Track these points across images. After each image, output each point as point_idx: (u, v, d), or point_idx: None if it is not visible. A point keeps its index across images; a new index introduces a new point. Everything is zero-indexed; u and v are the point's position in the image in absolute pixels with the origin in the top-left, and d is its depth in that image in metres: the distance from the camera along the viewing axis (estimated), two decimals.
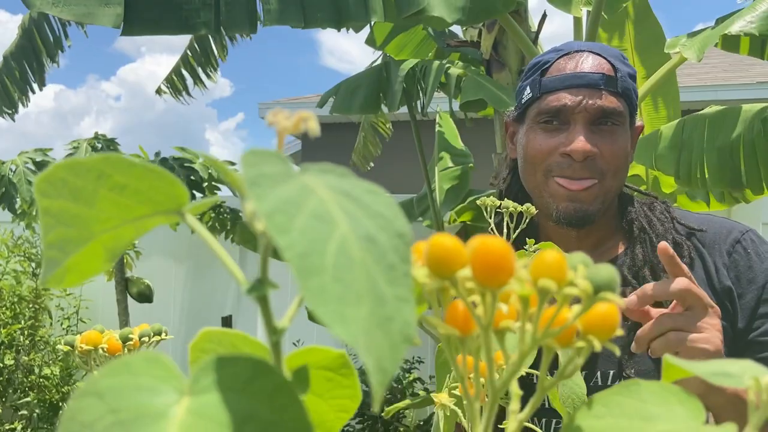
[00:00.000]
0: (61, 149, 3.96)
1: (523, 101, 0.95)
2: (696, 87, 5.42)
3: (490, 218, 0.73)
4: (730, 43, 2.49)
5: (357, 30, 3.12)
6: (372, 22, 2.38)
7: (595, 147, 0.88)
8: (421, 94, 2.83)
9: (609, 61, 0.91)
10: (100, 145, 3.61)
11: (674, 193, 2.88)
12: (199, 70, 3.69)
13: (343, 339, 0.15)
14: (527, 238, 0.69)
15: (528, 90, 0.93)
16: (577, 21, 2.84)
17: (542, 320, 0.21)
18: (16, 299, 4.16)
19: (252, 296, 0.19)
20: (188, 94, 3.80)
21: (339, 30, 2.33)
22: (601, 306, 0.21)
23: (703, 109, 2.30)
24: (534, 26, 3.20)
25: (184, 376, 0.16)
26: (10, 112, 3.07)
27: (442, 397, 0.49)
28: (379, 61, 3.57)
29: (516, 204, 0.73)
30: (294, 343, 3.72)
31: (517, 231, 0.98)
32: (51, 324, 4.40)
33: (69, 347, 0.53)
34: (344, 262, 0.16)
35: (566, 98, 0.89)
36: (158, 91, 3.81)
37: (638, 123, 0.97)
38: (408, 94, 2.87)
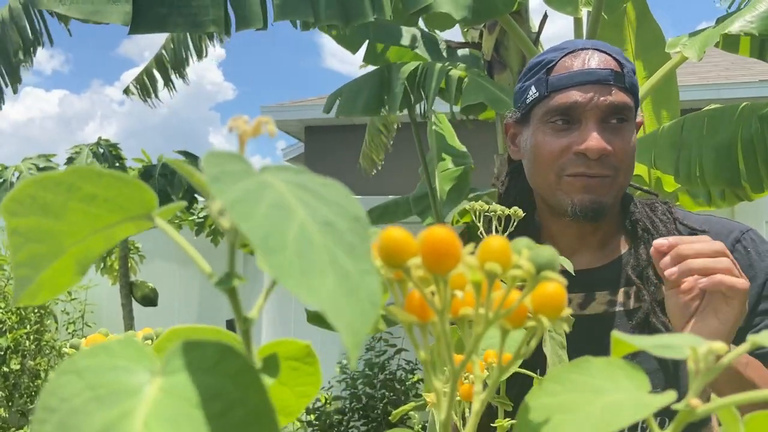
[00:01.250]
0: (65, 154, 3.98)
1: (527, 101, 0.94)
2: (698, 86, 5.42)
3: (479, 222, 0.74)
4: (731, 43, 2.50)
5: (354, 50, 3.13)
6: (374, 18, 2.39)
7: (609, 144, 0.88)
8: (423, 97, 2.85)
9: (614, 57, 0.91)
10: (102, 150, 3.63)
11: (676, 192, 2.88)
12: (171, 71, 3.63)
13: (314, 305, 0.17)
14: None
15: (533, 89, 0.93)
16: (578, 22, 2.85)
17: (494, 303, 0.22)
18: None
19: (220, 289, 0.21)
20: (156, 96, 3.74)
21: (346, 27, 2.34)
22: (549, 286, 0.22)
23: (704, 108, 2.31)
24: (535, 27, 3.21)
25: (156, 358, 0.18)
26: None
27: (431, 397, 0.50)
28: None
29: (504, 208, 0.73)
30: None
31: (513, 232, 0.99)
32: (56, 328, 4.43)
33: (74, 350, 0.55)
34: (305, 243, 0.17)
35: (576, 95, 0.88)
36: (126, 92, 3.77)
37: (639, 118, 0.97)
38: (408, 96, 2.89)
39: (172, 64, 3.59)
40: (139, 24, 1.93)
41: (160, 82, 3.70)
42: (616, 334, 0.25)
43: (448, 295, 0.21)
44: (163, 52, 3.65)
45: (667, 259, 0.73)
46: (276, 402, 0.27)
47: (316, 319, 2.43)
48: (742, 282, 0.71)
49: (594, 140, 0.87)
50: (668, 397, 0.20)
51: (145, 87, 3.73)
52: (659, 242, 0.74)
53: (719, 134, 1.96)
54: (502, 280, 0.22)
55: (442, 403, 0.23)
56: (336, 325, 0.17)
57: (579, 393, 0.22)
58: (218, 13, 2.01)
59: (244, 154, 0.19)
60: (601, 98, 0.88)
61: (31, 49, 2.88)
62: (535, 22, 3.24)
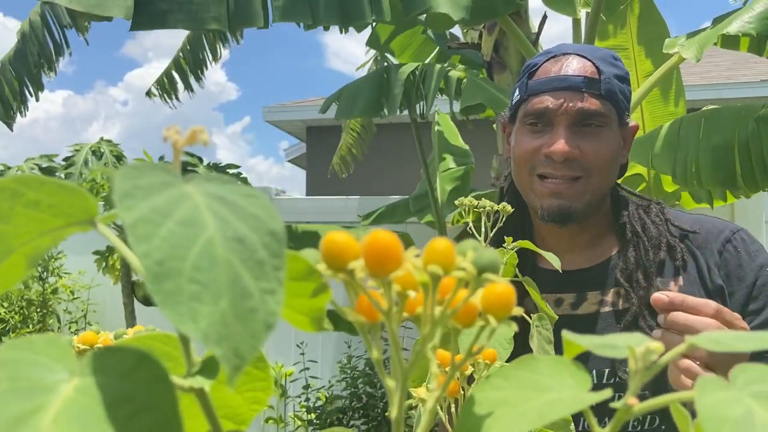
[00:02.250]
0: (66, 155, 4.01)
1: (513, 102, 0.97)
2: (700, 85, 5.41)
3: (468, 217, 0.74)
4: (730, 42, 2.50)
5: (359, 29, 3.15)
6: (374, 23, 2.40)
7: (576, 148, 0.90)
8: (421, 97, 2.85)
9: (594, 64, 0.92)
10: (103, 150, 3.65)
11: (676, 191, 2.88)
12: (190, 74, 3.68)
13: (192, 337, 0.17)
14: (518, 237, 0.71)
15: (517, 92, 0.96)
16: (576, 23, 2.85)
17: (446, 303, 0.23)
18: (24, 303, 4.22)
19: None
20: (177, 98, 3.80)
21: (345, 29, 2.35)
22: (498, 286, 0.23)
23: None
24: (535, 28, 3.22)
25: (77, 359, 0.19)
26: (8, 121, 3.07)
27: (420, 392, 0.51)
28: (371, 63, 3.59)
29: (492, 203, 0.74)
30: (298, 345, 3.75)
31: (509, 232, 1.00)
32: (59, 328, 4.45)
33: None
34: (205, 263, 0.17)
35: (548, 101, 0.91)
36: (149, 94, 3.83)
37: (632, 124, 0.98)
38: (408, 97, 2.90)
39: (190, 66, 3.64)
40: (140, 20, 1.94)
41: (180, 84, 3.76)
42: (566, 335, 0.25)
43: (393, 297, 0.22)
44: (180, 54, 3.71)
45: (661, 319, 0.75)
46: (227, 408, 0.27)
47: None
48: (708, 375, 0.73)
49: (559, 145, 0.90)
50: (603, 394, 0.21)
51: (165, 89, 3.79)
52: (658, 296, 0.75)
53: (716, 135, 1.96)
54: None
55: (394, 401, 0.24)
56: (216, 353, 0.17)
57: (523, 389, 0.23)
58: (219, 11, 2.02)
59: (178, 163, 0.20)
60: (571, 104, 0.90)
61: (53, 59, 2.98)
62: (535, 23, 3.25)
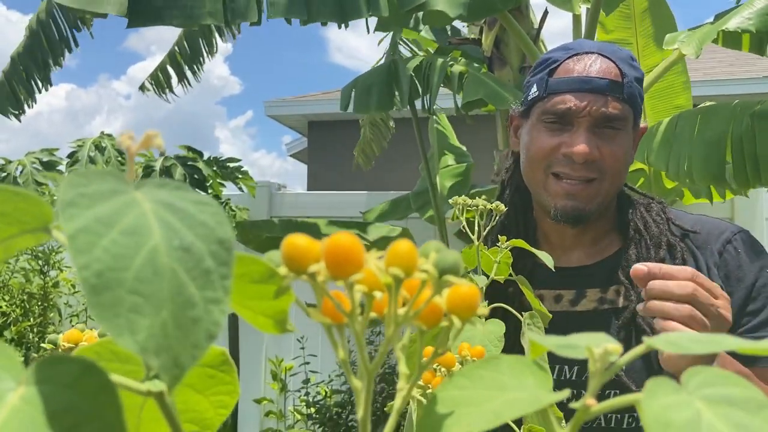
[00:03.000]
0: (69, 149, 4.01)
1: (529, 98, 0.96)
2: (702, 81, 5.39)
3: (462, 215, 0.75)
4: (731, 39, 2.49)
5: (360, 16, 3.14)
6: (367, 18, 2.39)
7: (596, 150, 0.90)
8: (424, 92, 2.85)
9: (617, 66, 0.91)
10: (105, 144, 3.65)
11: (677, 187, 2.88)
12: (185, 67, 3.66)
13: (130, 349, 0.17)
14: (520, 233, 0.71)
15: (535, 88, 0.94)
16: (576, 18, 2.84)
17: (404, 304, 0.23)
18: (25, 297, 4.23)
19: None
20: (171, 91, 3.78)
21: (341, 25, 2.35)
22: (463, 287, 0.24)
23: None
24: (535, 23, 3.21)
25: (24, 368, 0.19)
26: (16, 112, 3.08)
27: (400, 384, 0.51)
28: (383, 59, 3.59)
29: (486, 202, 0.74)
30: (298, 340, 3.75)
31: (511, 229, 0.99)
32: (60, 321, 4.47)
33: (52, 346, 0.57)
34: (148, 273, 0.17)
35: (571, 102, 0.90)
36: (142, 88, 3.81)
37: (642, 125, 0.98)
38: (411, 92, 2.89)
39: (185, 59, 3.63)
40: (135, 17, 1.94)
41: (174, 78, 3.74)
42: (531, 336, 0.26)
43: (357, 299, 0.22)
44: (176, 48, 3.69)
45: (643, 291, 0.76)
46: (192, 412, 0.27)
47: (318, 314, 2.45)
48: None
49: (581, 146, 0.89)
50: (560, 394, 0.21)
51: (159, 83, 3.77)
52: (638, 267, 0.76)
53: (710, 131, 1.96)
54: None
55: (360, 400, 0.24)
56: (153, 364, 0.17)
57: (485, 389, 0.23)
58: (214, 6, 2.03)
59: (132, 168, 0.20)
60: (594, 107, 0.89)
61: (59, 54, 3.00)
62: (535, 19, 3.24)
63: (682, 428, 0.17)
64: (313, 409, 3.58)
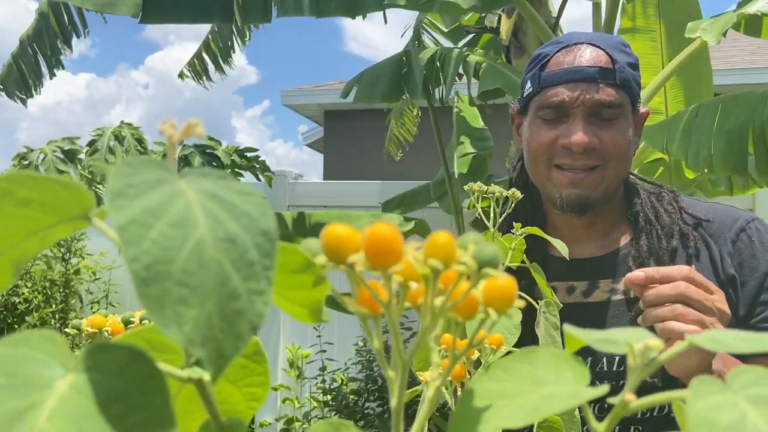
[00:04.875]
0: (89, 138, 4.05)
1: (525, 94, 0.97)
2: (724, 70, 5.30)
3: (478, 204, 0.74)
4: (753, 26, 2.44)
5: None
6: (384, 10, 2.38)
7: (594, 138, 0.90)
8: (441, 83, 2.83)
9: (607, 53, 0.91)
10: (125, 134, 3.68)
11: (697, 178, 2.84)
12: (219, 56, 3.71)
13: (177, 341, 0.17)
14: (531, 225, 0.71)
15: (529, 84, 0.95)
16: (596, 6, 2.80)
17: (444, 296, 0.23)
18: (47, 284, 4.29)
19: None
20: (209, 78, 3.82)
21: (354, 18, 2.35)
22: (499, 280, 0.23)
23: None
24: (554, 12, 3.17)
25: (73, 355, 0.19)
26: (23, 96, 3.07)
27: (426, 375, 0.52)
28: (382, 52, 3.57)
29: (502, 189, 0.74)
30: (315, 328, 3.77)
31: (521, 221, 0.99)
32: (81, 308, 4.53)
33: (76, 330, 0.57)
34: (194, 266, 0.17)
35: (564, 93, 0.90)
36: (181, 75, 3.85)
37: (643, 110, 0.98)
38: (427, 82, 2.88)
39: (219, 47, 3.67)
40: (148, 15, 1.97)
41: (211, 66, 3.79)
42: (567, 328, 0.25)
43: (393, 289, 0.22)
44: (210, 37, 3.74)
45: (642, 299, 0.76)
46: (225, 404, 0.27)
47: (333, 303, 2.47)
48: (691, 329, 0.72)
49: (578, 136, 0.89)
50: (599, 390, 0.21)
51: (197, 71, 3.83)
52: (635, 275, 0.76)
53: (731, 120, 1.92)
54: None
55: (394, 390, 0.24)
56: (199, 355, 0.17)
57: (522, 382, 0.23)
58: (225, 6, 2.04)
59: (173, 156, 0.20)
60: (587, 96, 0.90)
61: (69, 38, 2.99)
62: (554, 7, 3.20)
63: (727, 430, 0.17)
64: (329, 397, 3.60)
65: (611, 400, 0.22)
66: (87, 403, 0.17)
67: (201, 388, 0.20)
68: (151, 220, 0.18)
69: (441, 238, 0.22)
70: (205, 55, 3.79)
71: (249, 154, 3.72)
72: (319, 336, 3.73)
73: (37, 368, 0.18)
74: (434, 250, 0.22)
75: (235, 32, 3.69)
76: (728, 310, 0.75)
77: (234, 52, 3.70)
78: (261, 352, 0.27)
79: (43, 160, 3.77)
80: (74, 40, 3.04)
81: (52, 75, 3.09)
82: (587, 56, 0.91)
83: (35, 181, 0.20)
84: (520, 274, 0.72)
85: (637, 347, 0.22)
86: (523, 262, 0.71)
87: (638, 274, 0.75)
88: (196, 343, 0.17)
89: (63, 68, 3.07)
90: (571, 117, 0.91)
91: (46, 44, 2.97)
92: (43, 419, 0.16)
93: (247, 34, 3.71)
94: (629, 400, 0.21)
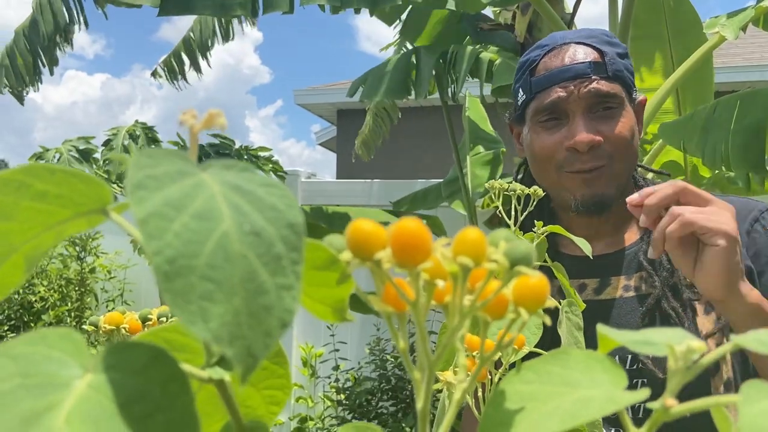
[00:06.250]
0: (104, 137, 4.08)
1: (519, 103, 0.96)
2: (742, 66, 5.24)
3: (498, 200, 0.73)
4: None
5: (390, 23, 3.12)
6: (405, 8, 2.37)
7: (598, 134, 0.89)
8: (452, 80, 2.82)
9: (595, 47, 0.92)
10: (138, 133, 3.70)
11: (713, 178, 2.81)
12: (198, 53, 3.60)
13: (203, 337, 0.16)
14: (538, 222, 0.70)
15: (521, 92, 0.95)
16: (613, 3, 2.77)
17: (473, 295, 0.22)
18: (63, 282, 4.33)
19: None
20: (184, 78, 3.72)
21: (373, 12, 2.33)
22: (532, 279, 0.22)
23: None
24: (569, 8, 3.14)
25: (91, 354, 0.18)
26: (19, 90, 2.96)
27: (447, 375, 0.51)
28: (395, 46, 3.55)
29: (524, 187, 0.73)
30: (328, 327, 3.77)
31: (527, 218, 0.98)
32: (97, 306, 4.57)
33: (93, 327, 0.57)
34: (220, 259, 0.16)
35: (558, 92, 0.90)
36: (154, 74, 3.76)
37: (640, 97, 0.97)
38: (439, 79, 2.86)
39: (198, 46, 3.58)
40: (167, 6, 1.96)
41: (187, 64, 3.69)
42: (601, 329, 0.24)
43: (421, 287, 0.21)
44: (191, 34, 3.66)
45: (643, 218, 0.77)
46: (245, 408, 0.26)
47: (350, 302, 2.46)
48: (703, 218, 0.73)
49: (581, 135, 0.88)
50: (640, 394, 0.20)
51: (172, 69, 3.73)
52: (631, 198, 0.77)
53: (749, 116, 1.89)
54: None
55: (420, 392, 0.23)
56: (227, 353, 0.16)
57: (553, 385, 0.22)
58: None
59: (195, 148, 0.19)
60: (582, 90, 0.89)
61: (67, 32, 2.89)
62: (569, 3, 3.17)
63: None
64: (342, 396, 3.60)
65: (651, 405, 0.21)
66: (107, 403, 0.16)
67: (222, 390, 0.20)
68: (174, 212, 0.17)
69: (471, 235, 0.21)
70: (183, 54, 3.68)
71: (262, 154, 3.72)
72: (333, 335, 3.72)
73: (55, 367, 0.17)
74: (464, 246, 0.21)
75: (218, 30, 3.60)
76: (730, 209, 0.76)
77: (212, 48, 3.59)
78: (282, 353, 0.26)
79: (58, 159, 3.80)
80: (82, 37, 2.98)
81: (51, 71, 2.99)
82: (576, 54, 0.91)
83: (52, 174, 0.19)
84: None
85: (678, 349, 0.21)
86: (544, 260, 0.70)
87: (633, 196, 0.76)
88: (224, 340, 0.16)
89: (57, 64, 2.95)
90: (570, 117, 0.90)
91: (42, 37, 2.83)
92: (60, 420, 0.15)
93: (231, 32, 3.62)
94: (670, 405, 0.20)
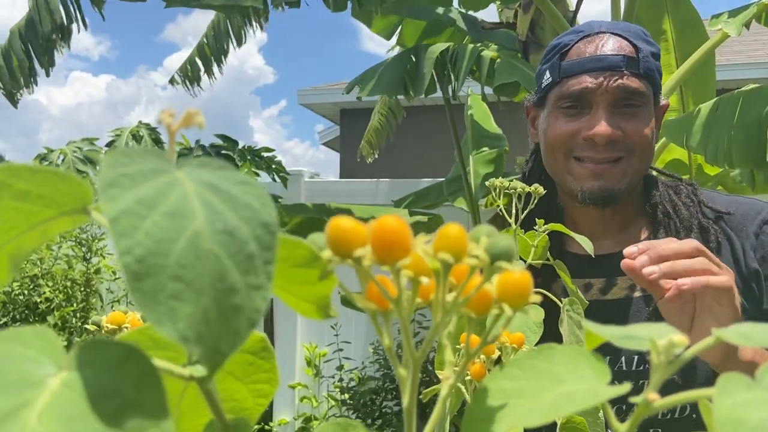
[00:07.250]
0: (108, 138, 4.08)
1: (543, 86, 0.94)
2: (746, 64, 5.22)
3: (499, 199, 0.73)
4: None
5: (388, 37, 3.12)
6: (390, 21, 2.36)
7: (618, 129, 0.87)
8: (453, 78, 2.81)
9: (631, 42, 0.89)
10: (143, 134, 3.71)
11: (717, 176, 2.79)
12: (213, 59, 3.63)
13: (171, 337, 0.16)
14: (548, 221, 0.69)
15: (548, 74, 0.92)
16: (615, 2, 2.77)
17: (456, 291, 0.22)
18: (68, 283, 4.34)
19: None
20: (199, 85, 3.75)
21: (381, 5, 2.31)
22: (515, 274, 0.22)
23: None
24: (572, 6, 3.14)
25: (65, 352, 0.18)
26: (12, 91, 2.89)
27: (446, 373, 0.50)
28: (397, 51, 3.56)
29: (524, 185, 0.73)
30: (332, 326, 3.77)
31: (538, 215, 0.98)
32: (102, 306, 4.58)
33: (96, 327, 0.57)
34: (190, 258, 0.16)
35: (587, 81, 0.88)
36: (171, 81, 3.80)
37: (663, 102, 0.96)
38: (439, 78, 2.85)
39: (213, 52, 3.59)
40: None
41: (202, 70, 3.72)
42: (587, 325, 0.24)
43: (403, 284, 0.21)
44: (204, 40, 3.67)
45: (644, 258, 0.68)
46: (232, 402, 0.27)
47: (349, 301, 2.47)
48: (723, 280, 0.68)
49: (602, 127, 0.86)
50: (621, 388, 0.20)
51: (188, 76, 3.75)
52: (629, 250, 0.70)
53: (752, 113, 1.88)
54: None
55: (405, 389, 0.23)
56: (195, 352, 0.16)
57: (538, 380, 0.22)
58: None
59: (173, 146, 0.19)
60: (612, 84, 0.87)
61: (65, 32, 2.85)
62: (572, 1, 3.16)
63: (756, 428, 0.16)
64: (346, 395, 3.60)
65: (633, 399, 0.21)
66: (79, 400, 0.16)
67: (203, 386, 0.20)
68: (146, 210, 0.17)
69: (451, 231, 0.21)
70: (198, 60, 3.71)
71: (265, 154, 3.72)
72: (337, 335, 3.73)
73: (29, 366, 0.17)
74: (444, 242, 0.21)
75: (232, 34, 3.62)
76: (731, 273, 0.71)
77: (227, 54, 3.62)
78: (268, 348, 0.26)
79: (63, 160, 3.81)
80: (87, 39, 2.95)
81: (47, 72, 2.90)
82: (610, 45, 0.89)
83: (33, 174, 0.19)
84: (537, 270, 0.70)
85: (660, 343, 0.21)
86: (546, 259, 0.69)
87: (631, 249, 0.70)
88: (191, 340, 0.16)
89: (53, 66, 2.89)
90: (593, 107, 0.88)
91: (39, 38, 2.77)
92: (33, 418, 0.15)
93: (243, 36, 3.63)
94: (652, 399, 0.20)
